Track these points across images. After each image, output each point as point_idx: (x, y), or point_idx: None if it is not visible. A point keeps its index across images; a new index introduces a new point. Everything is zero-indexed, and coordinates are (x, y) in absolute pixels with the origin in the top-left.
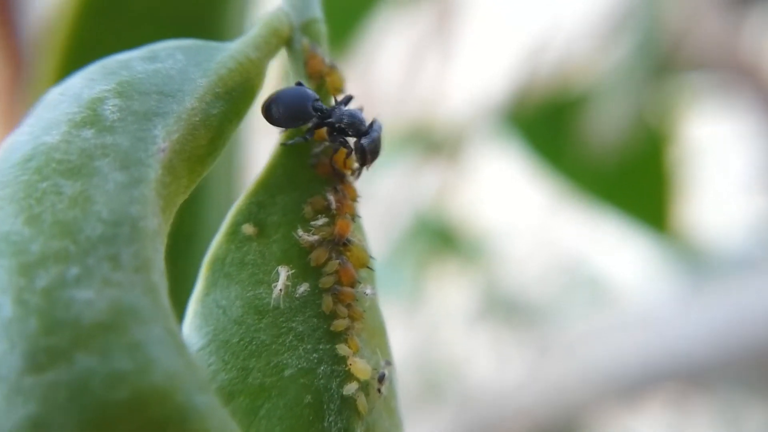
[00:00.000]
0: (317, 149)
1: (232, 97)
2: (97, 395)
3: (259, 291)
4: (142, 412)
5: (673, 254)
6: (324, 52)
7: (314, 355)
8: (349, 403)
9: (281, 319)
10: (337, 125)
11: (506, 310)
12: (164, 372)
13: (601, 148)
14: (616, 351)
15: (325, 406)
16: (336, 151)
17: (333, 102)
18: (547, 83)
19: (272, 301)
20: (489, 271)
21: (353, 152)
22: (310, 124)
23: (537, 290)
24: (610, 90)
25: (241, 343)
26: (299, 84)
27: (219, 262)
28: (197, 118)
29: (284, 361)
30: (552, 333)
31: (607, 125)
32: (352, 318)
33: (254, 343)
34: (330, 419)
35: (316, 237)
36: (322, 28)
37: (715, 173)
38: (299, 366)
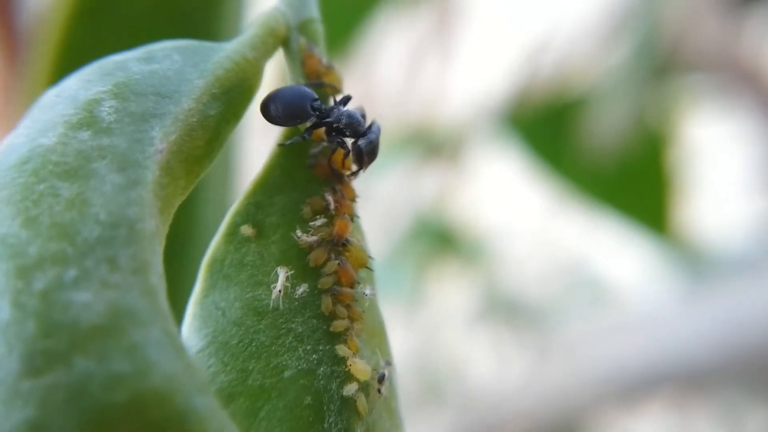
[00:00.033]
0: (315, 150)
1: (230, 98)
2: (95, 398)
3: (258, 292)
4: (140, 415)
5: (673, 256)
6: (321, 51)
7: (314, 356)
8: (349, 403)
9: (280, 321)
10: (335, 125)
11: (506, 311)
12: (163, 374)
13: (601, 150)
14: (617, 353)
15: (325, 407)
16: (334, 151)
17: (332, 102)
18: (547, 85)
19: (271, 302)
20: (489, 273)
21: (351, 153)
22: (308, 124)
23: (537, 291)
24: (609, 92)
25: (241, 344)
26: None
27: (218, 264)
28: (194, 119)
29: (284, 363)
30: (552, 334)
31: (606, 127)
32: (352, 318)
33: (254, 344)
34: (330, 420)
35: (314, 237)
36: (319, 28)
37: (715, 175)
38: (299, 367)
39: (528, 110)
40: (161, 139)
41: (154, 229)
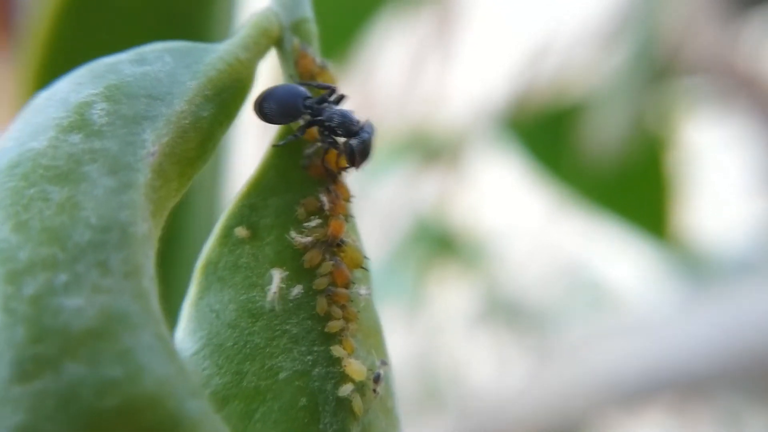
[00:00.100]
0: (309, 150)
1: (222, 99)
2: (86, 403)
3: (253, 294)
4: (133, 420)
5: (672, 260)
6: (315, 51)
7: (309, 357)
8: (344, 404)
9: (275, 322)
10: (327, 124)
11: (507, 314)
12: (155, 378)
13: (600, 154)
14: (617, 357)
15: (320, 408)
16: (327, 151)
17: (324, 100)
18: (547, 89)
19: (266, 303)
20: (489, 276)
21: (343, 152)
22: (301, 122)
23: (537, 295)
24: (608, 96)
25: (236, 346)
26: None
27: (212, 266)
28: (187, 121)
29: (279, 364)
30: (553, 337)
31: (605, 132)
32: (347, 319)
33: (248, 346)
34: (325, 421)
35: (309, 238)
36: (313, 28)
37: (714, 179)
38: (294, 369)
39: (527, 115)
40: (153, 141)
41: (147, 232)
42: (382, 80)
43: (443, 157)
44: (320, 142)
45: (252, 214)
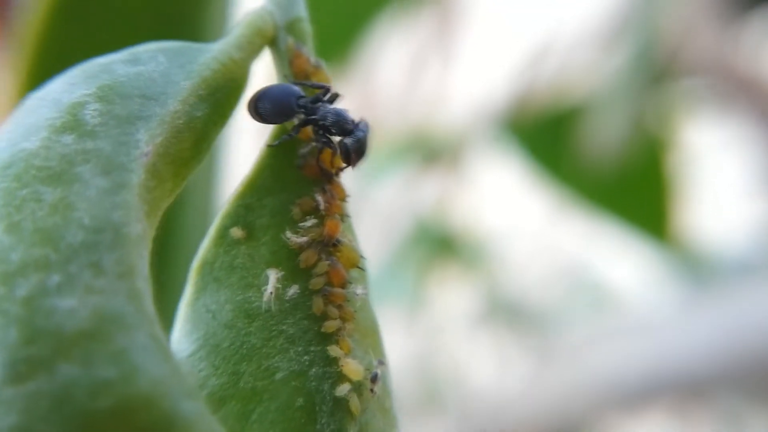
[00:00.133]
0: (304, 150)
1: (216, 99)
2: (80, 405)
3: (249, 294)
4: (127, 421)
5: (673, 261)
6: (309, 51)
7: (305, 357)
8: (341, 404)
9: (272, 322)
10: (321, 123)
11: (507, 315)
12: (149, 379)
13: (600, 156)
14: (617, 359)
15: (317, 408)
16: (321, 150)
17: (318, 99)
18: (547, 91)
19: (262, 304)
20: (490, 277)
21: (339, 151)
22: (295, 122)
23: (538, 296)
24: (608, 98)
25: (232, 347)
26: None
27: (208, 267)
28: (181, 121)
29: (275, 365)
30: (553, 339)
31: (605, 134)
32: (343, 319)
33: (245, 347)
34: (323, 421)
35: (305, 238)
36: (307, 27)
37: (714, 180)
38: (291, 369)
39: (528, 117)
40: (147, 141)
41: (141, 232)
42: (382, 82)
43: (444, 158)
44: (315, 142)
45: (247, 214)
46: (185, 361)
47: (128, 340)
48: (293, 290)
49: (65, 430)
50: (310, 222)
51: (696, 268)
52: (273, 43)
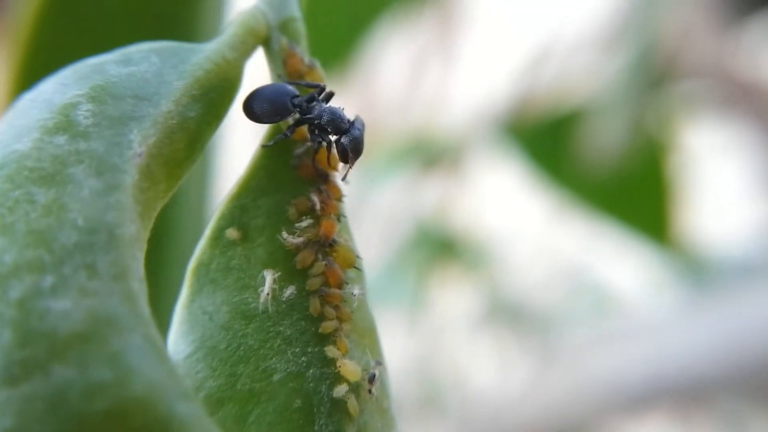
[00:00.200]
0: (299, 150)
1: (210, 99)
2: (75, 407)
3: (246, 296)
4: (122, 423)
5: (674, 264)
6: (303, 50)
7: (303, 358)
8: (339, 405)
9: (268, 324)
10: (316, 122)
11: (508, 317)
12: (145, 381)
13: (601, 159)
14: (619, 362)
15: (315, 410)
16: (317, 150)
17: (313, 98)
18: (547, 95)
19: (259, 305)
20: (491, 280)
21: (335, 150)
22: (290, 121)
23: (539, 298)
24: (608, 101)
25: (229, 349)
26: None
27: (204, 268)
28: (174, 122)
29: (273, 366)
30: (554, 341)
31: (606, 137)
32: (341, 319)
33: (242, 348)
34: (321, 422)
35: (301, 239)
36: (301, 27)
37: (715, 183)
38: (288, 370)
39: (528, 120)
40: (140, 142)
41: (135, 233)
42: (383, 84)
43: (444, 161)
44: (310, 142)
45: (243, 215)
46: (182, 362)
47: (123, 342)
48: (290, 291)
49: None
50: (306, 222)
51: (697, 270)
52: (266, 42)
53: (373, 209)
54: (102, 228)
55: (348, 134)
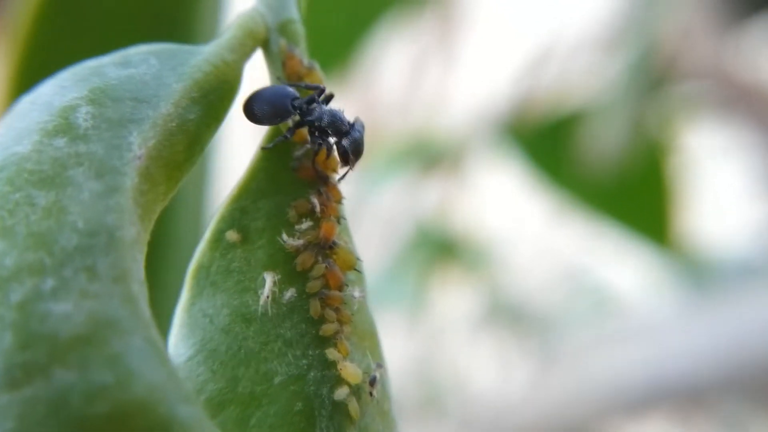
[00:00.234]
0: (298, 152)
1: (209, 101)
2: (76, 410)
3: (246, 298)
4: (123, 426)
5: (674, 266)
6: (302, 52)
7: (304, 361)
8: (340, 408)
9: (269, 326)
10: (317, 124)
11: (509, 319)
12: (146, 384)
13: (601, 161)
14: (619, 364)
15: (316, 413)
16: (317, 152)
17: (313, 100)
18: (547, 97)
19: (259, 308)
20: (491, 281)
21: (335, 152)
22: (290, 123)
23: (540, 299)
24: (608, 103)
25: (229, 351)
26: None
27: (204, 271)
28: (174, 124)
29: (273, 369)
30: (555, 343)
31: (606, 138)
32: (341, 322)
33: (242, 351)
34: (322, 425)
35: (301, 241)
36: (299, 29)
37: (715, 184)
38: (289, 373)
39: (528, 122)
40: (140, 144)
41: (135, 236)
42: (383, 85)
43: (445, 162)
44: (310, 144)
45: (243, 217)
46: (183, 365)
47: (124, 344)
48: (290, 293)
49: None
50: (306, 224)
51: (697, 272)
52: (265, 44)
53: (373, 211)
54: (102, 230)
55: (348, 136)
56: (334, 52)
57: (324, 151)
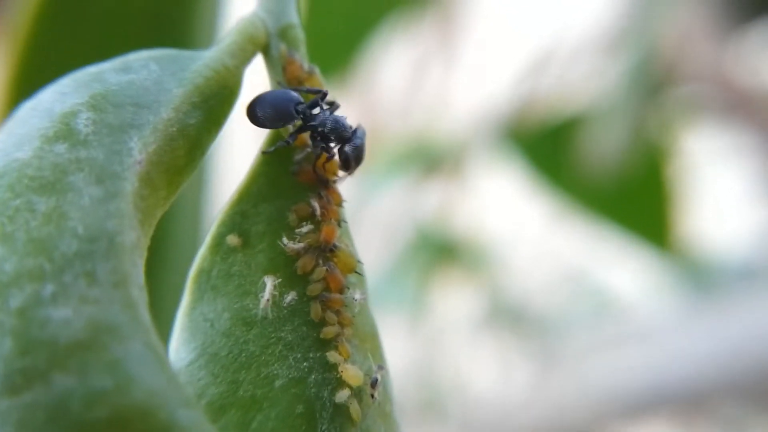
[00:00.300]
0: (299, 156)
1: (209, 106)
2: (76, 415)
3: (247, 302)
4: (123, 431)
5: (675, 269)
6: (302, 57)
7: (305, 363)
8: (341, 410)
9: (270, 330)
10: (320, 129)
11: (509, 321)
12: (146, 389)
13: (601, 165)
14: (620, 367)
15: (317, 415)
16: (318, 156)
17: (316, 105)
18: (547, 100)
19: (260, 311)
20: (492, 284)
21: (336, 158)
22: (291, 128)
23: (540, 302)
24: (609, 107)
25: (230, 355)
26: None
27: (205, 275)
28: (174, 129)
29: (274, 372)
30: (555, 345)
31: (606, 142)
32: (342, 324)
33: (243, 355)
34: (323, 428)
35: (301, 245)
36: (300, 34)
37: (715, 188)
38: (290, 376)
39: (528, 125)
40: (140, 150)
41: (135, 241)
42: (384, 89)
43: (445, 165)
44: (311, 148)
45: (243, 221)
46: (184, 370)
47: (123, 349)
48: (291, 297)
49: None
50: (307, 228)
51: (697, 275)
52: (265, 49)
53: (373, 213)
54: (102, 236)
55: (350, 143)
56: (334, 56)
57: (324, 155)
